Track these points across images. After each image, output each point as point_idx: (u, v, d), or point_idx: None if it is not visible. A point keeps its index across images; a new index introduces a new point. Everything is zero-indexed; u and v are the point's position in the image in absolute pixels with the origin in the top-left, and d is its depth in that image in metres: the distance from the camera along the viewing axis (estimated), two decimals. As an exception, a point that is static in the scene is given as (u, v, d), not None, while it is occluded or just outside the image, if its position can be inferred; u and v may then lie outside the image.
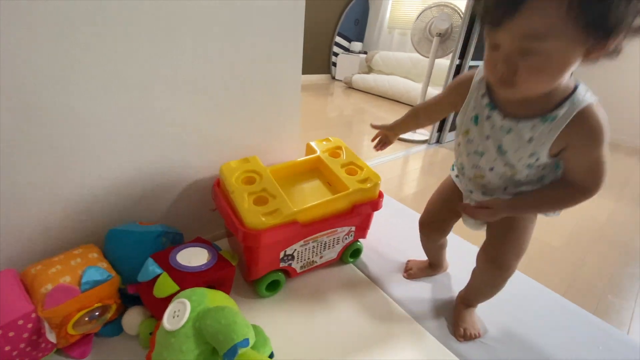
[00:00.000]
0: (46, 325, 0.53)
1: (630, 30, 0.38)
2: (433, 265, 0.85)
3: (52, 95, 0.56)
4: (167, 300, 0.55)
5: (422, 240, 0.80)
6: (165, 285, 0.58)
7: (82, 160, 0.63)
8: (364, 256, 0.89)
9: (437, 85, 2.65)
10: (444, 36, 1.87)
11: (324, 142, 0.89)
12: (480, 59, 1.89)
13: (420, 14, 1.94)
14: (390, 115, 2.76)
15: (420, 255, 0.87)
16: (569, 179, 0.52)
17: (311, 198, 0.73)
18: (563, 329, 0.74)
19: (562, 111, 0.46)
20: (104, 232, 0.67)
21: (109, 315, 0.60)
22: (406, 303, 0.77)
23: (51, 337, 0.54)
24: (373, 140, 0.78)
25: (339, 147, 0.87)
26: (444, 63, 2.09)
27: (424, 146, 2.00)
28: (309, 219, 0.68)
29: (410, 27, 2.11)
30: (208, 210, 0.81)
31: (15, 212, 0.60)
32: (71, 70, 0.56)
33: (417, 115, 0.71)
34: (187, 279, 0.59)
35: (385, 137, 0.77)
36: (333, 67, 3.98)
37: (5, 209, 0.59)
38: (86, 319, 0.56)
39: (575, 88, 0.47)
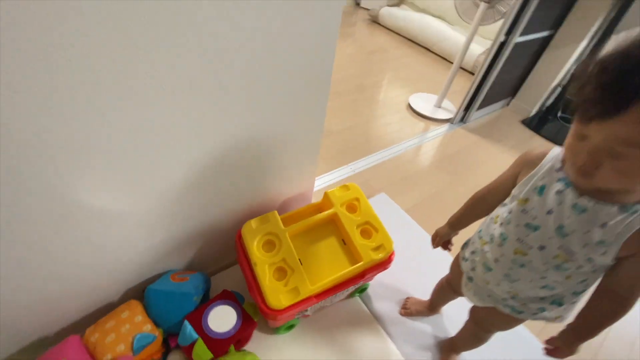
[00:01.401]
0: (112, 383, 0.67)
1: None
2: (431, 308, 0.95)
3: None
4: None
5: (437, 291, 0.88)
6: (201, 352, 0.70)
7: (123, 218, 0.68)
8: (369, 289, 0.99)
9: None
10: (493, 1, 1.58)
11: (342, 191, 0.90)
12: (531, 34, 1.65)
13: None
14: (415, 68, 2.53)
15: (421, 293, 0.97)
16: (608, 284, 0.50)
17: (327, 264, 0.79)
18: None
19: None
20: (137, 282, 0.77)
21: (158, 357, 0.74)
22: (400, 342, 0.90)
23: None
24: (435, 247, 0.78)
25: (357, 199, 0.88)
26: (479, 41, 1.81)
27: (445, 127, 1.91)
28: (323, 290, 0.76)
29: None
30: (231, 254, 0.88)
31: (69, 271, 0.68)
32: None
33: (482, 200, 0.65)
34: (218, 345, 0.71)
35: (445, 242, 0.77)
36: (359, -9, 3.45)
37: (65, 271, 0.66)
38: (140, 370, 0.70)
39: None
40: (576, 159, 0.44)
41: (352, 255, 0.82)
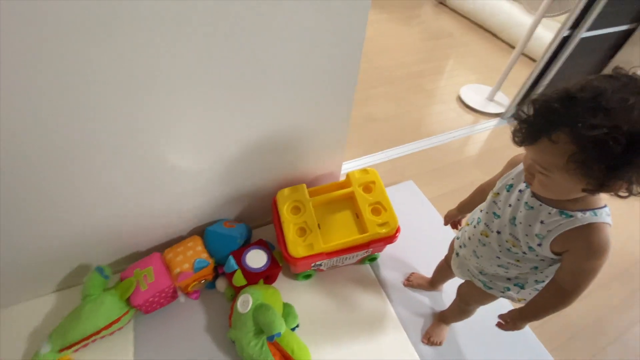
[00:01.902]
0: (178, 288, 0.97)
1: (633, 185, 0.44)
2: (432, 284, 1.08)
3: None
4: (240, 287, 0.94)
5: (437, 269, 1.01)
6: (239, 279, 0.96)
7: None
8: (379, 259, 1.16)
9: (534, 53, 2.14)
10: (560, -9, 1.49)
11: (361, 174, 1.06)
12: (603, 28, 1.51)
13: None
14: (478, 56, 2.44)
15: (426, 271, 1.11)
16: (555, 277, 0.59)
17: (339, 231, 0.98)
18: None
19: (580, 215, 0.52)
20: (200, 224, 1.05)
21: (209, 280, 1.02)
22: (398, 306, 1.06)
23: (179, 292, 0.98)
24: (445, 225, 0.90)
25: (373, 182, 1.04)
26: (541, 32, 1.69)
27: (494, 122, 1.88)
28: (333, 250, 0.95)
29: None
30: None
31: (157, 210, 0.98)
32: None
33: (483, 191, 0.74)
34: (251, 276, 0.96)
35: (454, 222, 0.88)
36: (430, -29, 3.30)
37: (153, 210, 0.96)
38: (197, 284, 0.99)
39: (602, 207, 0.53)
40: (524, 170, 0.56)
41: (361, 227, 0.99)
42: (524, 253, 0.62)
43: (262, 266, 0.99)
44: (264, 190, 1.07)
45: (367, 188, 1.04)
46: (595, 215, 0.52)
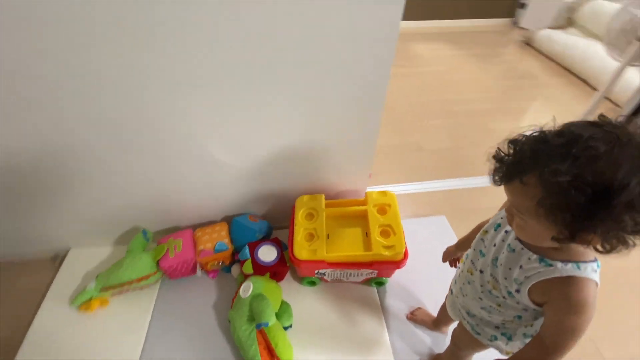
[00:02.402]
0: (198, 263, 1.11)
1: (608, 240, 0.42)
2: (436, 324, 1.04)
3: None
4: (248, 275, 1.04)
5: (441, 308, 0.97)
6: (248, 267, 1.06)
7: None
8: (388, 285, 1.15)
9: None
10: (654, 40, 1.34)
11: (379, 195, 1.09)
12: None
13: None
14: (559, 102, 2.24)
15: (434, 309, 1.07)
16: (539, 331, 0.55)
17: (345, 244, 1.02)
18: None
19: (560, 265, 0.50)
20: (230, 213, 1.20)
21: (226, 264, 1.15)
22: (395, 336, 1.04)
23: (199, 267, 1.12)
24: (444, 262, 0.89)
25: (389, 205, 1.06)
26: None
27: None
28: (334, 261, 1.00)
29: None
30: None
31: (197, 193, 1.15)
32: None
33: (474, 232, 0.73)
34: (259, 268, 1.06)
35: (452, 260, 0.88)
36: (520, 10, 3.18)
37: (195, 193, 1.14)
38: (215, 264, 1.12)
39: (590, 261, 0.50)
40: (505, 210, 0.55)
41: (367, 245, 1.02)
42: (504, 297, 0.60)
43: (271, 261, 1.08)
44: (288, 194, 1.17)
45: (382, 210, 1.06)
46: (579, 268, 0.49)
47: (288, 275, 1.16)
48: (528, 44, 2.94)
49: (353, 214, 1.09)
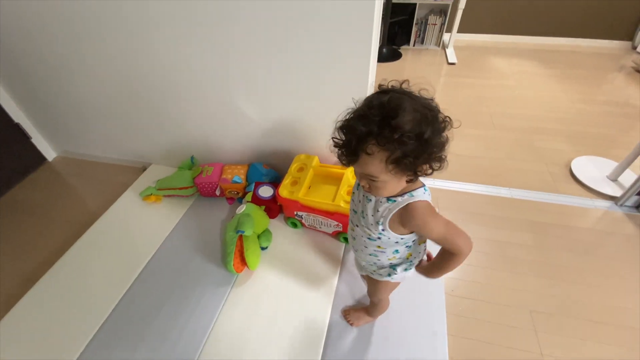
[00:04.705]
0: (219, 187, 1.50)
1: (434, 163, 0.57)
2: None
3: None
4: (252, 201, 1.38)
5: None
6: (249, 197, 1.40)
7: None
8: (354, 244, 1.33)
9: None
10: None
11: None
12: None
13: None
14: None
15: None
16: (441, 249, 0.71)
17: (319, 195, 1.26)
18: None
19: (400, 199, 0.64)
20: (252, 159, 1.56)
21: (240, 194, 1.51)
22: (342, 284, 1.22)
23: (218, 192, 1.51)
24: None
25: (364, 173, 1.25)
26: None
27: (606, 205, 1.54)
28: (306, 205, 1.25)
29: None
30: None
31: (228, 135, 1.54)
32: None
33: None
34: (257, 200, 1.38)
35: None
36: (641, 32, 2.74)
37: (227, 136, 1.54)
38: (231, 192, 1.50)
39: (418, 188, 0.65)
40: (360, 183, 0.65)
41: (335, 199, 1.23)
42: (379, 238, 0.73)
43: (265, 197, 1.39)
44: (294, 151, 1.46)
45: (357, 175, 1.26)
46: (412, 196, 0.65)
47: (280, 218, 1.46)
48: (638, 71, 2.54)
49: (335, 175, 1.31)
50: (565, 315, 1.13)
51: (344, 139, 0.58)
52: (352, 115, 0.57)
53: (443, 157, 0.59)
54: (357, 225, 0.77)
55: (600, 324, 1.11)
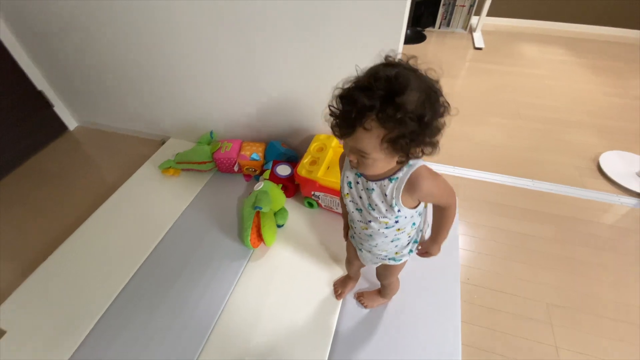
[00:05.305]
0: (237, 163, 1.50)
1: (427, 147, 0.56)
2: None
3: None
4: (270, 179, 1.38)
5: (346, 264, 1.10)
6: (266, 174, 1.39)
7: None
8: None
9: None
10: None
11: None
12: None
13: None
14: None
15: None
16: (436, 208, 0.72)
17: (334, 175, 1.25)
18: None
19: (400, 174, 0.62)
20: (271, 138, 1.55)
21: (257, 172, 1.51)
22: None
23: (236, 168, 1.51)
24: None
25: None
26: None
27: (632, 202, 1.49)
28: (323, 185, 1.23)
29: None
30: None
31: (253, 113, 1.53)
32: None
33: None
34: (275, 178, 1.38)
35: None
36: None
37: (249, 113, 1.52)
38: (249, 169, 1.50)
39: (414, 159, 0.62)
40: (349, 158, 0.60)
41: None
42: (397, 222, 0.70)
43: (283, 175, 1.39)
44: (313, 132, 1.44)
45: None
46: (410, 165, 0.62)
47: (297, 197, 1.45)
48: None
49: (354, 156, 1.29)
50: (583, 310, 1.11)
51: (341, 108, 0.53)
52: (354, 85, 0.53)
53: (436, 142, 0.56)
54: (371, 221, 0.72)
55: (618, 322, 1.08)
